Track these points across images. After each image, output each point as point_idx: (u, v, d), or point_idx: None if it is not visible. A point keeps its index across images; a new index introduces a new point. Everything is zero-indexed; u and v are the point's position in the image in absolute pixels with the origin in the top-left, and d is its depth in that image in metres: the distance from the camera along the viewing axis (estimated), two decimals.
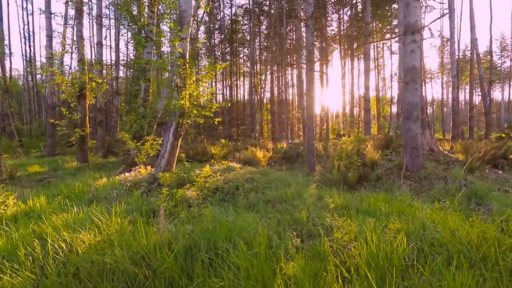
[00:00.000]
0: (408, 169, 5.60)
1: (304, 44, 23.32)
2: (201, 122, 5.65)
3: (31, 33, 23.66)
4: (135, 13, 8.87)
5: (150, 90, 8.51)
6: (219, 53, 29.50)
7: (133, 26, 9.78)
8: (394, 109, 34.90)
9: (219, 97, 31.70)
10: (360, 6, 24.30)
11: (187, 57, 5.30)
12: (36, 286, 1.78)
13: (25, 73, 24.80)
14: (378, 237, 2.23)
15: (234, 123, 28.84)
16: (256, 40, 26.65)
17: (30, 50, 23.74)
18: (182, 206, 3.64)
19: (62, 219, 2.78)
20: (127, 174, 5.18)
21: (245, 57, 30.99)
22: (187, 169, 4.76)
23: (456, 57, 15.55)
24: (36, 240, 2.18)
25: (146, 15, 8.56)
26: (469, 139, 15.70)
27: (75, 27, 10.53)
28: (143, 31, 8.77)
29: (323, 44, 25.68)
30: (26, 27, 23.14)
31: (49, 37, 13.30)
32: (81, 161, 9.62)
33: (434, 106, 45.34)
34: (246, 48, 30.13)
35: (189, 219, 3.11)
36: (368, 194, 4.05)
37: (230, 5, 28.06)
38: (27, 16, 22.84)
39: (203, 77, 4.95)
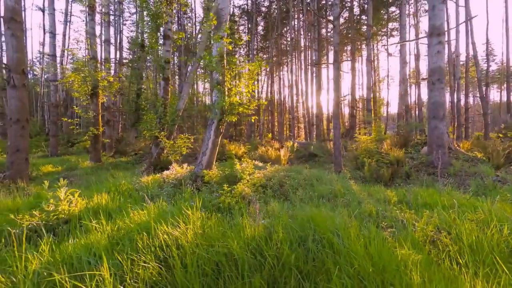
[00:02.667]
0: (435, 166, 5.81)
1: (302, 44, 23.69)
2: (234, 120, 5.69)
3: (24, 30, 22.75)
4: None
5: (169, 89, 8.45)
6: None
7: (145, 23, 9.70)
8: (390, 109, 35.84)
9: None
10: (356, 10, 24.95)
11: (225, 55, 5.35)
12: (172, 275, 1.80)
13: None
14: (468, 226, 2.36)
15: (231, 123, 28.79)
16: (254, 41, 26.71)
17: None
18: (242, 202, 3.68)
19: (142, 215, 2.78)
20: (167, 172, 5.14)
21: (241, 58, 31.00)
22: (228, 166, 4.78)
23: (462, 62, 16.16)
24: (145, 234, 2.19)
25: (164, 14, 8.50)
26: (466, 138, 16.33)
27: (87, 24, 10.31)
28: (161, 29, 8.73)
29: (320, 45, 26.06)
30: None
31: (53, 34, 12.95)
32: (94, 161, 9.42)
33: (423, 108, 46.80)
34: (242, 49, 30.20)
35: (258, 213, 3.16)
36: (415, 189, 4.20)
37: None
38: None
39: (249, 73, 4.99)
